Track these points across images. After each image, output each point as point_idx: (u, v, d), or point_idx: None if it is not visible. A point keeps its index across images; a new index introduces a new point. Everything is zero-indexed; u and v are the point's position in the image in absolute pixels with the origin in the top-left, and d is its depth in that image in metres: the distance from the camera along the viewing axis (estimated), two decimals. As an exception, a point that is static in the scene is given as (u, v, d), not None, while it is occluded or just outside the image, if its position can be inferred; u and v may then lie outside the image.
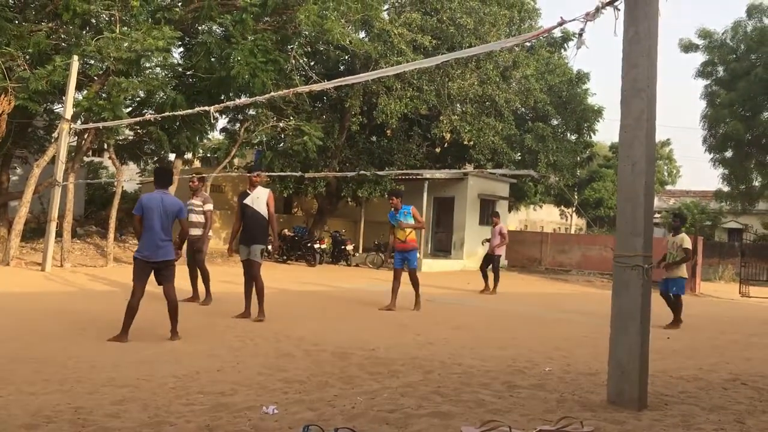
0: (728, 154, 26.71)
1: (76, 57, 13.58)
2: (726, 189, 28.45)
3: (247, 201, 8.66)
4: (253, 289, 8.63)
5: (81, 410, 4.23)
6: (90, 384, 4.93)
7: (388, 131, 22.31)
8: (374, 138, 23.34)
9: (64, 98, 14.09)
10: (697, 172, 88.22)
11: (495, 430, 3.83)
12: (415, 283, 10.28)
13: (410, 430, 3.91)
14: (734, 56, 25.33)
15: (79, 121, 14.57)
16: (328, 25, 15.45)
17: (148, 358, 5.91)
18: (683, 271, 10.29)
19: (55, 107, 17.28)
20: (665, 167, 48.27)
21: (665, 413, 4.48)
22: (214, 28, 16.92)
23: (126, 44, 13.32)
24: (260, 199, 8.66)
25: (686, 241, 10.34)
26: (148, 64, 14.88)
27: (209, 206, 10.09)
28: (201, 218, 10.01)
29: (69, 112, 13.88)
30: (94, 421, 4.03)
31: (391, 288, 10.38)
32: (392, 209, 10.27)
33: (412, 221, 10.18)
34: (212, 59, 15.78)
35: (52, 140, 15.02)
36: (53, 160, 14.43)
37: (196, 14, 15.72)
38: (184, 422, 4.03)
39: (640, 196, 4.58)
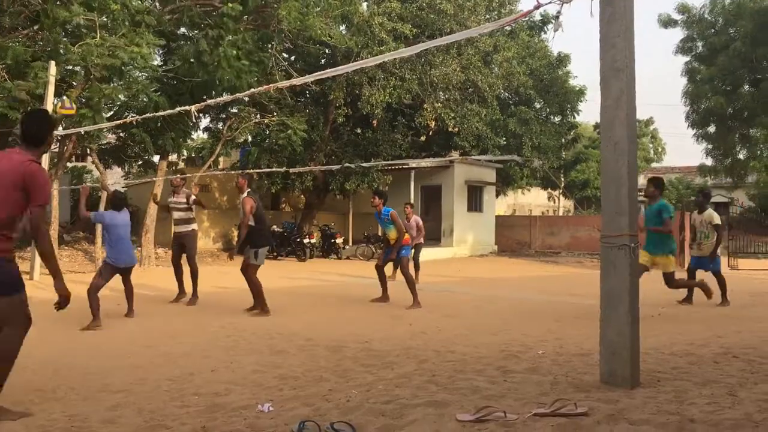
0: (711, 128, 26.90)
1: (53, 63, 13.39)
2: (710, 163, 28.69)
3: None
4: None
5: (75, 418, 4.21)
6: (84, 391, 4.92)
7: (374, 122, 22.29)
8: (359, 130, 23.30)
9: (43, 105, 13.88)
10: (680, 149, 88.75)
11: (490, 416, 3.85)
12: (408, 281, 9.78)
13: (406, 420, 3.91)
14: (713, 31, 25.44)
15: (60, 127, 14.40)
16: (309, 21, 15.39)
17: (142, 362, 5.89)
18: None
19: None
20: (650, 145, 48.65)
21: (658, 390, 4.52)
22: (196, 31, 16.74)
23: (108, 44, 13.15)
24: (240, 204, 9.14)
25: (715, 218, 10.08)
26: (130, 67, 14.68)
27: (193, 197, 10.24)
28: (185, 215, 10.09)
29: (49, 119, 13.66)
30: (89, 428, 4.02)
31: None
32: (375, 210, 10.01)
33: (393, 229, 9.87)
34: (192, 61, 15.61)
35: (34, 148, 14.74)
36: (36, 168, 14.20)
37: (176, 15, 15.54)
38: (179, 424, 4.02)
39: (623, 175, 4.59)
